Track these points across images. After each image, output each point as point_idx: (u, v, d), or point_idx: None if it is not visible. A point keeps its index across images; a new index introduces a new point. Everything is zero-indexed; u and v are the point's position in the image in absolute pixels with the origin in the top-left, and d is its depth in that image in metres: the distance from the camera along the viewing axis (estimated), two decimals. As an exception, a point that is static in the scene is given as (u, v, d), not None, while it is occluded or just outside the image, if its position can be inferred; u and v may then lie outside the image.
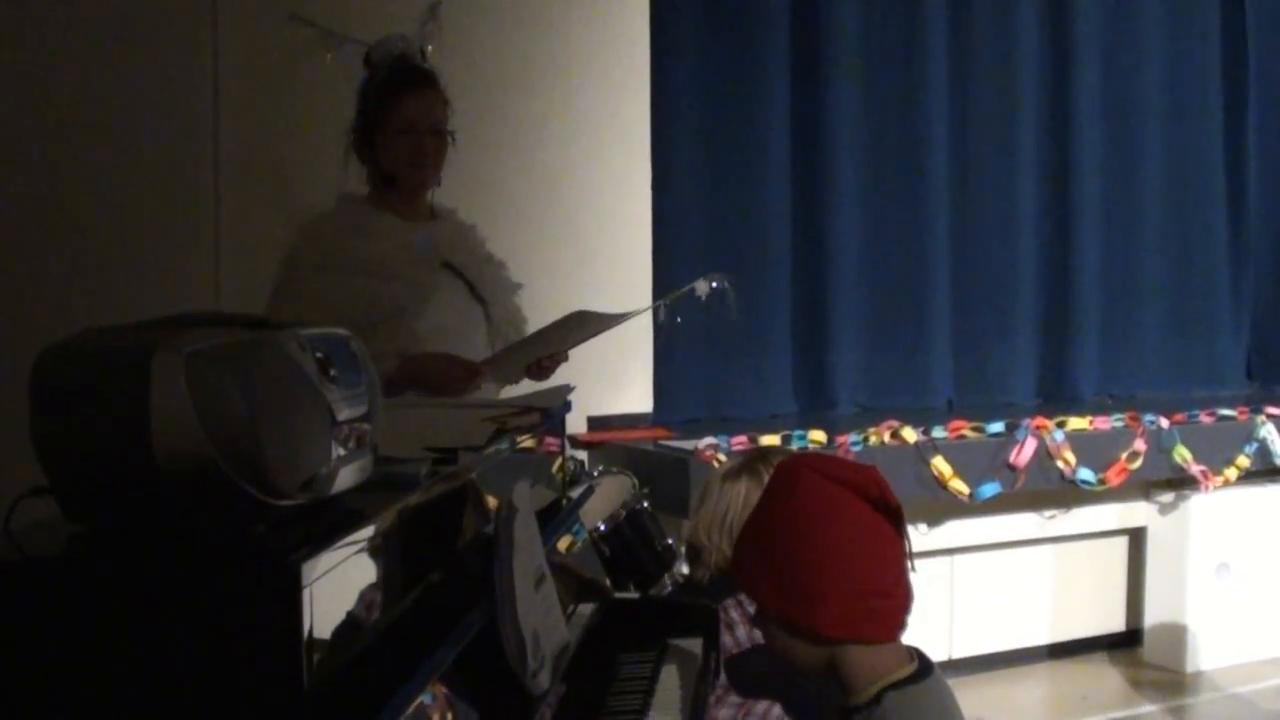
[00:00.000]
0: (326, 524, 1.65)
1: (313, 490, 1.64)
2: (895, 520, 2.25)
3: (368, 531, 1.75)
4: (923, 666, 2.30)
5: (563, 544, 2.95)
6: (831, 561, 2.20)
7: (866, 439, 5.66)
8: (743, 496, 3.33)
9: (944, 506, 5.97)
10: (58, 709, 1.56)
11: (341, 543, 1.63)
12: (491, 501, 2.43)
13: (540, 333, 3.79)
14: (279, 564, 1.50)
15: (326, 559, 1.58)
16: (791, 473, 2.31)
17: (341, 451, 1.70)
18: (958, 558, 6.37)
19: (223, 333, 1.62)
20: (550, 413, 2.97)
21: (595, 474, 4.18)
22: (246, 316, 1.71)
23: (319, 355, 1.67)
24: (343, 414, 1.69)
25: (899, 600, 2.27)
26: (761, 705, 3.02)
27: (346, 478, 1.71)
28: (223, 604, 1.52)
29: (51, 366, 1.60)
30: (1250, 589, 6.69)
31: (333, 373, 1.68)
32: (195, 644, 1.53)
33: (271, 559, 1.52)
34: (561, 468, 3.27)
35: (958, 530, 6.20)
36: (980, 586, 6.47)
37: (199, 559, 1.55)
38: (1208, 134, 7.85)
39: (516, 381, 3.91)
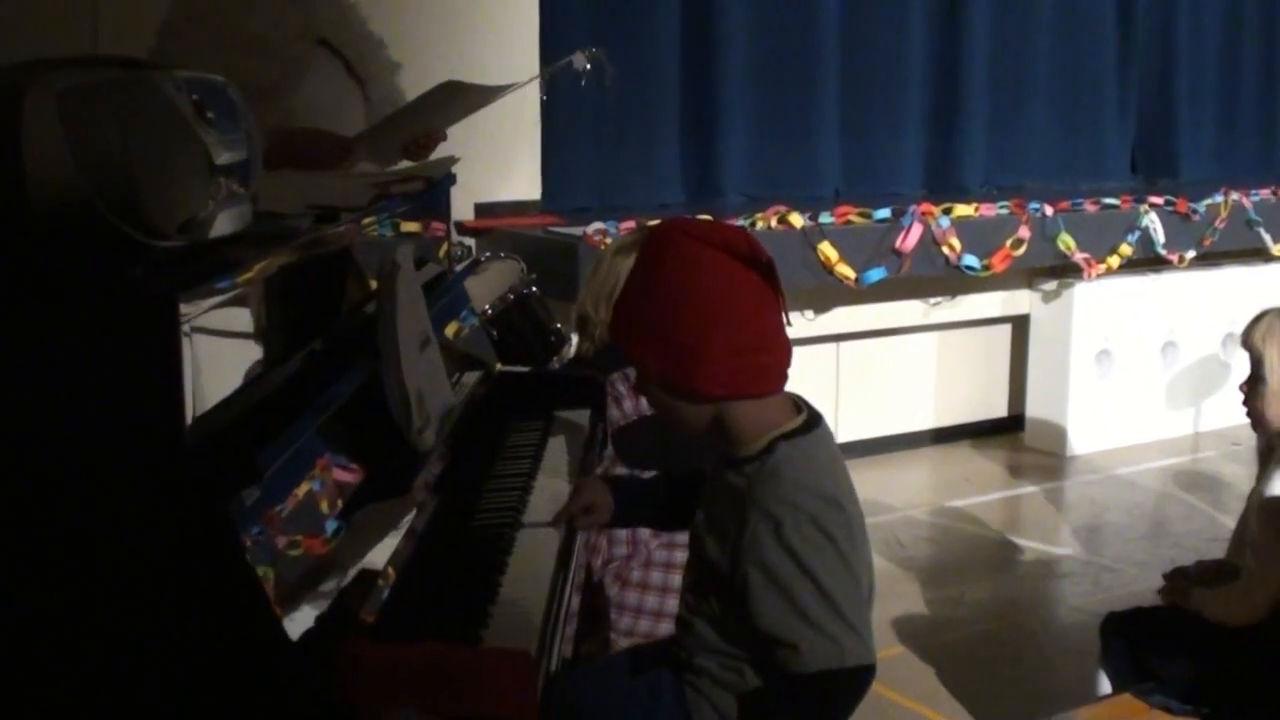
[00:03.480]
0: (205, 267, 1.64)
1: (191, 233, 1.62)
2: (768, 275, 2.25)
3: (247, 279, 1.73)
4: (811, 417, 2.33)
5: (451, 330, 2.94)
6: (707, 321, 2.21)
7: (754, 224, 5.66)
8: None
9: (831, 292, 6.02)
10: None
11: (220, 285, 1.62)
12: (375, 284, 2.42)
13: (411, 105, 3.71)
14: (156, 301, 1.49)
15: (205, 303, 1.57)
16: (663, 237, 2.31)
17: (220, 197, 1.68)
18: (844, 344, 6.46)
19: (97, 72, 1.59)
20: (434, 183, 2.95)
21: (483, 258, 4.16)
22: (122, 57, 1.68)
23: (195, 98, 1.65)
24: (220, 158, 1.67)
25: (778, 354, 2.28)
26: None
27: (225, 223, 1.70)
28: (99, 344, 1.51)
29: (-82, 106, 1.56)
30: (1129, 376, 6.85)
31: (210, 115, 1.66)
32: (73, 385, 1.52)
33: (148, 297, 1.51)
34: (448, 252, 3.26)
35: (844, 316, 6.26)
36: (865, 372, 6.58)
37: (75, 300, 1.53)
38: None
39: (395, 162, 3.84)
